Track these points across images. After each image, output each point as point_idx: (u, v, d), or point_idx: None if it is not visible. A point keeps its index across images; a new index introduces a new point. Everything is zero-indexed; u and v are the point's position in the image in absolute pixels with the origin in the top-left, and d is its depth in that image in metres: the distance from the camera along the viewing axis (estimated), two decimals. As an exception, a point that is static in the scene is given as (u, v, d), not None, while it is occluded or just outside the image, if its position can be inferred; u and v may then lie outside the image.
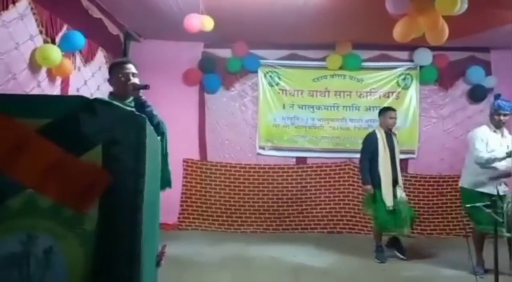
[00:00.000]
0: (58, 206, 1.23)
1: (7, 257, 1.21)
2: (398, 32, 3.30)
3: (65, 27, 3.53)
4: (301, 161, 6.25)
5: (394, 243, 4.80)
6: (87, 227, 1.23)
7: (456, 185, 6.14)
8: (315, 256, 4.77)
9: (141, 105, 2.13)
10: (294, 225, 6.11)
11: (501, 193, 3.72)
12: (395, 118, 4.75)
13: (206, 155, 6.14)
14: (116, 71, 2.29)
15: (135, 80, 2.26)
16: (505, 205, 3.03)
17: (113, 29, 4.83)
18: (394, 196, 4.57)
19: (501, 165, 3.97)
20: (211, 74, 6.04)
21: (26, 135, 1.20)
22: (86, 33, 3.61)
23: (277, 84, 6.16)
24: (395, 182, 4.62)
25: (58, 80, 3.57)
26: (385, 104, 6.13)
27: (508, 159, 3.87)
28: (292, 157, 6.23)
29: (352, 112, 6.16)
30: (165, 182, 2.00)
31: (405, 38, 3.34)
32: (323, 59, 6.13)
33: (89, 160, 1.23)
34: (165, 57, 5.99)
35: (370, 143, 4.71)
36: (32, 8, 3.00)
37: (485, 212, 3.53)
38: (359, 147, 6.08)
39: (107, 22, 4.57)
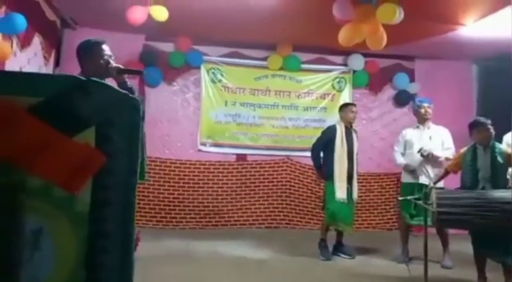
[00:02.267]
0: (48, 186, 1.20)
1: (-6, 238, 1.16)
2: (343, 37, 3.55)
3: (3, 9, 3.29)
4: (241, 157, 6.37)
5: (338, 247, 4.80)
6: (79, 208, 1.22)
7: (383, 182, 6.72)
8: (255, 250, 4.90)
9: (128, 91, 2.04)
10: (233, 221, 6.21)
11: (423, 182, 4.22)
12: (356, 112, 4.83)
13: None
14: (94, 52, 2.13)
15: (113, 62, 2.15)
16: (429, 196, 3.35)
17: (50, 15, 4.57)
18: (348, 191, 4.62)
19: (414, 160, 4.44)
20: (152, 68, 5.93)
21: (16, 112, 1.16)
22: (24, 16, 3.40)
23: (220, 81, 6.22)
24: (350, 178, 4.66)
25: (-5, 65, 3.33)
26: (321, 106, 6.50)
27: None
28: (233, 154, 6.33)
29: (290, 111, 6.41)
30: (142, 174, 1.95)
31: (349, 43, 3.61)
32: (264, 59, 6.31)
33: (82, 141, 1.22)
34: (103, 47, 5.76)
35: (327, 134, 4.76)
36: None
37: (411, 205, 3.94)
38: (297, 145, 6.42)
39: (44, 6, 4.31)
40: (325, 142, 4.73)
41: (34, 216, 1.20)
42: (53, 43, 4.69)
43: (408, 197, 3.71)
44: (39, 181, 1.20)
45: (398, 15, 3.39)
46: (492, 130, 3.59)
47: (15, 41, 3.63)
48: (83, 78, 1.27)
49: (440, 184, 4.17)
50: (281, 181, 6.37)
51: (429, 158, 4.36)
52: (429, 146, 4.39)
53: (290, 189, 6.35)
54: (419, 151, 4.37)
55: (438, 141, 4.50)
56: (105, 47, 2.17)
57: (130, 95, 1.28)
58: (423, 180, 4.39)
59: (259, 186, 6.35)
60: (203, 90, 6.19)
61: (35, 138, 1.18)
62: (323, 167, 4.78)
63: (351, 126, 4.83)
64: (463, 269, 4.08)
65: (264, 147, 6.38)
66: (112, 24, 5.51)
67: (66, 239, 1.22)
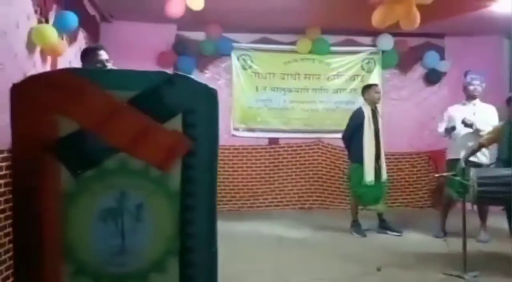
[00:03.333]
0: (146, 166, 1.40)
1: (105, 211, 1.37)
2: (377, 19, 3.62)
3: (54, 7, 3.51)
4: (273, 141, 6.54)
5: (382, 225, 4.90)
6: (171, 184, 1.42)
7: (414, 160, 6.77)
8: (293, 229, 5.10)
9: None
10: (267, 203, 6.42)
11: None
12: (380, 92, 4.96)
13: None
14: (90, 58, 2.41)
15: (109, 65, 2.40)
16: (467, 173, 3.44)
17: (91, 10, 4.79)
18: (376, 171, 4.75)
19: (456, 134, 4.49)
20: (185, 57, 6.12)
21: (118, 105, 1.36)
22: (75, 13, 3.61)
23: (250, 67, 6.36)
24: (377, 158, 4.79)
25: (49, 61, 3.56)
26: (351, 87, 6.57)
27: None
28: (265, 138, 6.51)
29: (320, 94, 6.51)
30: None
31: (383, 24, 3.68)
32: (293, 43, 6.39)
33: (171, 127, 1.40)
34: (138, 39, 5.98)
35: (356, 118, 4.85)
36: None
37: (454, 180, 4.01)
38: (328, 127, 6.52)
39: (86, 2, 4.53)
40: (355, 128, 4.84)
41: (137, 192, 1.40)
42: (94, 37, 4.92)
43: (444, 174, 3.80)
44: (140, 162, 1.39)
45: (432, -5, 3.44)
46: None
47: (65, 37, 3.86)
48: (170, 72, 1.45)
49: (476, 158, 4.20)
50: (313, 163, 6.52)
51: (472, 128, 4.35)
52: (485, 123, 4.35)
53: (322, 171, 6.50)
54: (462, 121, 4.37)
55: (482, 117, 4.47)
56: (101, 52, 2.45)
57: (209, 86, 1.46)
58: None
59: (291, 168, 6.52)
60: (234, 77, 6.34)
61: (135, 127, 1.37)
62: (351, 150, 4.91)
63: (376, 107, 4.93)
64: (499, 243, 4.17)
65: (295, 130, 6.52)
66: (145, 16, 5.72)
67: (163, 212, 1.41)
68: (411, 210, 6.45)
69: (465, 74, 4.73)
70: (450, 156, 4.66)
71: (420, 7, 3.88)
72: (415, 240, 4.60)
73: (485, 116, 4.47)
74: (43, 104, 1.31)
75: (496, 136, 3.88)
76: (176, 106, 1.41)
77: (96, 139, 1.35)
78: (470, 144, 4.35)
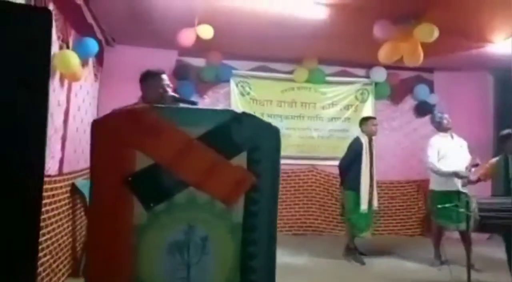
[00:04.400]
0: (212, 200, 1.46)
1: (173, 244, 1.41)
2: (383, 55, 3.82)
3: (72, 33, 3.56)
4: (268, 167, 6.60)
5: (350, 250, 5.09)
6: (234, 218, 1.48)
7: (404, 189, 6.96)
8: (288, 255, 5.11)
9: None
10: (261, 228, 6.43)
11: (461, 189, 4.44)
12: (377, 125, 5.17)
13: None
14: (153, 81, 2.44)
15: (170, 91, 2.43)
16: (470, 204, 3.61)
17: (99, 35, 4.84)
18: (368, 200, 4.93)
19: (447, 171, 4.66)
20: (185, 82, 6.20)
21: (189, 141, 1.42)
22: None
23: (248, 94, 6.49)
24: (370, 186, 4.97)
25: (66, 85, 3.58)
26: (345, 116, 6.77)
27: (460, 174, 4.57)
28: (261, 163, 6.56)
29: (316, 122, 6.67)
30: None
31: (389, 60, 3.89)
32: (290, 72, 6.58)
33: (236, 163, 1.48)
34: (139, 63, 5.97)
35: (354, 148, 5.00)
36: (54, 13, 3.03)
37: (447, 210, 4.17)
38: (322, 154, 6.67)
39: (96, 28, 4.59)
40: (354, 157, 4.99)
41: (202, 226, 1.45)
42: (99, 61, 4.96)
43: (447, 205, 3.96)
44: (206, 196, 1.45)
45: (435, 35, 3.66)
46: None
47: (78, 62, 3.89)
48: (238, 111, 1.53)
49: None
50: (307, 189, 6.62)
51: (463, 180, 4.56)
52: (461, 155, 4.62)
53: (315, 197, 6.59)
54: (456, 175, 4.57)
55: (466, 149, 4.81)
56: (164, 76, 2.50)
57: (272, 124, 1.54)
58: (459, 187, 4.57)
59: (286, 194, 6.58)
60: (232, 103, 6.44)
61: (205, 162, 1.43)
62: (346, 178, 5.05)
63: (372, 138, 5.10)
64: (497, 273, 4.32)
65: (290, 156, 6.60)
66: (146, 41, 5.80)
67: (226, 245, 1.46)
68: (402, 238, 6.59)
69: (431, 111, 5.04)
70: (435, 187, 4.82)
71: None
72: (412, 268, 4.71)
73: (460, 149, 4.79)
74: (123, 139, 1.36)
75: (490, 172, 4.09)
76: (243, 143, 1.48)
77: (169, 174, 1.40)
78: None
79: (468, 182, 4.36)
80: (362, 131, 5.13)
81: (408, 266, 4.80)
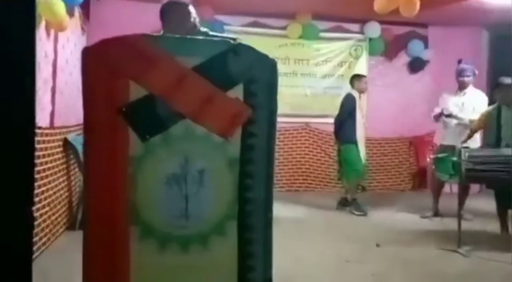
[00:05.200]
0: (209, 133, 1.44)
1: (170, 176, 1.40)
2: (379, 5, 3.72)
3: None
4: (262, 125, 6.60)
5: (344, 203, 5.28)
6: (232, 151, 1.46)
7: (396, 146, 7.02)
8: (285, 210, 5.20)
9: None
10: (255, 185, 6.50)
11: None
12: (367, 82, 5.39)
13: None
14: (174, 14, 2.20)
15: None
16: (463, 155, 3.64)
17: (85, -15, 4.64)
18: None
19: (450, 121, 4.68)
20: (175, 39, 6.04)
21: (185, 71, 1.38)
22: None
23: (241, 51, 6.36)
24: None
25: (52, 36, 3.46)
26: (338, 73, 6.70)
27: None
28: (254, 121, 6.55)
29: (309, 79, 6.61)
30: None
31: (385, 10, 3.79)
32: (283, 28, 6.44)
33: (233, 95, 1.45)
34: (126, 17, 5.85)
35: (348, 104, 5.13)
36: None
37: (444, 162, 4.22)
38: (315, 112, 6.65)
39: (82, -21, 4.39)
40: (349, 112, 5.10)
41: (199, 158, 1.44)
42: (86, 14, 4.80)
43: (440, 155, 4.01)
44: (203, 129, 1.43)
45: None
46: None
47: (64, 12, 3.75)
48: (234, 42, 1.48)
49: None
50: (300, 147, 6.65)
51: (451, 117, 4.59)
52: (461, 113, 4.62)
53: (309, 154, 6.63)
54: (442, 113, 4.60)
55: (470, 107, 4.70)
56: (191, 9, 2.26)
57: (269, 57, 1.50)
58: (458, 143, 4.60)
59: (279, 152, 6.60)
60: (225, 60, 6.32)
61: (201, 94, 1.40)
62: (343, 132, 5.15)
63: (361, 95, 5.30)
64: (483, 222, 4.44)
65: (284, 115, 6.55)
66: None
67: (223, 177, 1.46)
68: (394, 192, 6.71)
69: (458, 62, 4.93)
70: (442, 141, 4.88)
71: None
72: (404, 218, 4.83)
73: (474, 104, 4.67)
74: (116, 68, 1.32)
75: (484, 122, 4.11)
76: (239, 75, 1.45)
77: (164, 105, 1.37)
78: (459, 131, 4.60)
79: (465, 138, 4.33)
80: (353, 88, 5.25)
81: (400, 217, 4.92)
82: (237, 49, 1.43)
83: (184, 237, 1.43)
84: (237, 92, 1.45)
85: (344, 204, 5.32)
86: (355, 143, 5.04)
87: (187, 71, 1.38)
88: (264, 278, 1.48)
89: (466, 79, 4.75)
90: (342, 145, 5.25)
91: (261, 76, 1.46)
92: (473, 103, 4.71)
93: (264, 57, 1.48)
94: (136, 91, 1.35)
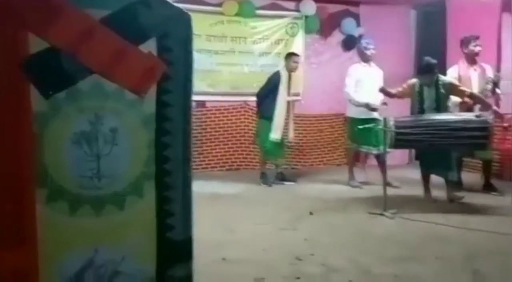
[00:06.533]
0: (121, 89, 1.38)
1: (79, 134, 1.33)
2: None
3: None
4: (200, 104, 6.53)
5: (282, 177, 5.52)
6: (147, 108, 1.42)
7: (333, 122, 7.24)
8: (224, 187, 5.24)
9: None
10: (195, 166, 6.41)
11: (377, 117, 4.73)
12: (298, 62, 5.47)
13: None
14: None
15: None
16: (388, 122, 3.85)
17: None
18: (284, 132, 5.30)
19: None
20: (105, 14, 5.76)
21: (91, 23, 1.30)
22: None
23: (176, 27, 6.19)
24: (287, 120, 5.33)
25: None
26: (275, 51, 6.75)
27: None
28: (192, 101, 6.46)
29: (247, 57, 6.60)
30: None
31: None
32: (219, 5, 6.35)
33: (145, 50, 1.39)
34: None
35: (272, 80, 5.31)
36: None
37: (366, 135, 4.43)
38: (253, 90, 6.65)
39: None
40: (271, 88, 5.26)
41: (111, 116, 1.38)
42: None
43: (366, 126, 4.20)
44: (114, 85, 1.37)
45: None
46: (436, 71, 4.10)
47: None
48: (144, -7, 1.41)
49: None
50: (240, 125, 6.66)
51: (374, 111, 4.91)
52: (377, 85, 4.89)
53: (248, 133, 6.66)
54: (367, 106, 4.90)
55: (377, 78, 5.13)
56: None
57: (184, 11, 1.46)
58: (375, 115, 4.89)
59: (219, 131, 6.60)
60: (158, 37, 6.13)
61: (109, 47, 1.33)
62: (261, 107, 5.33)
63: (291, 74, 5.40)
64: (411, 189, 4.73)
65: (222, 93, 6.56)
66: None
67: (138, 136, 1.41)
68: (330, 167, 6.94)
69: (359, 38, 5.24)
70: (353, 114, 5.18)
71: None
72: (338, 189, 5.03)
73: (376, 76, 5.11)
74: (11, 17, 1.22)
75: (408, 91, 4.34)
76: (151, 29, 1.39)
77: (69, 59, 1.29)
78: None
79: (385, 93, 4.58)
80: (284, 66, 5.40)
81: (333, 188, 5.11)
82: (149, 2, 1.37)
83: (98, 198, 1.38)
84: (150, 47, 1.40)
85: (282, 178, 5.45)
86: (269, 119, 5.18)
87: (94, 23, 1.31)
88: (184, 237, 1.47)
89: (372, 51, 5.05)
90: (258, 119, 5.41)
91: (175, 31, 1.42)
92: (376, 75, 5.11)
93: (179, 11, 1.44)
94: (36, 44, 1.26)
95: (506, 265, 2.56)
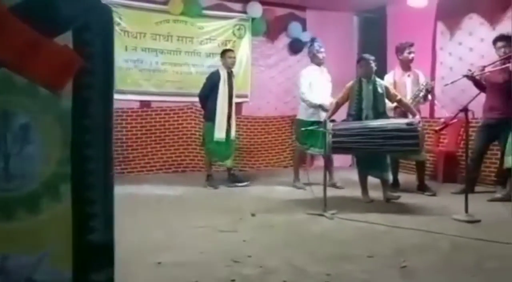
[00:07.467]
0: (34, 84, 1.29)
1: (-16, 132, 1.23)
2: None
3: None
4: (145, 104, 6.38)
5: (232, 179, 5.48)
6: (63, 104, 1.33)
7: (279, 124, 7.32)
8: (167, 190, 5.13)
9: None
10: (140, 168, 6.29)
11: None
12: (234, 57, 5.43)
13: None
14: None
15: None
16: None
17: None
18: (227, 131, 5.22)
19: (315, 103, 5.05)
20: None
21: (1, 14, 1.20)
22: None
23: (119, 25, 6.00)
24: (229, 118, 5.25)
25: None
26: (223, 52, 6.71)
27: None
28: (136, 101, 6.30)
29: (193, 57, 6.53)
30: None
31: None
32: (165, 3, 6.25)
33: (61, 43, 1.31)
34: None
35: (210, 80, 5.26)
36: None
37: (314, 137, 4.51)
38: (201, 91, 6.59)
39: None
40: (211, 88, 5.22)
41: (22, 112, 1.28)
42: None
43: (310, 128, 4.28)
44: (25, 80, 1.27)
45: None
46: (373, 65, 4.26)
47: None
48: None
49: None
50: (186, 127, 6.58)
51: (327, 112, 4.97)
52: (328, 89, 5.05)
53: (195, 134, 6.59)
54: (322, 107, 4.98)
55: (330, 84, 5.28)
56: None
57: (103, 2, 1.39)
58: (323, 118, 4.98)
59: (164, 132, 6.48)
60: (101, 34, 5.91)
61: (20, 39, 1.24)
62: (205, 110, 5.33)
63: (231, 71, 5.37)
64: (353, 190, 4.87)
65: (168, 93, 6.45)
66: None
67: (53, 134, 1.32)
68: (277, 169, 7.01)
69: (312, 41, 5.35)
70: (303, 117, 5.25)
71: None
72: (282, 191, 5.08)
73: (326, 81, 5.26)
74: None
75: (347, 95, 4.46)
76: (67, 20, 1.30)
77: (-28, 50, 1.19)
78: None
79: (332, 111, 4.67)
80: (222, 63, 5.34)
81: (278, 190, 5.16)
82: (64, -9, 1.29)
83: (7, 201, 1.28)
84: (65, 40, 1.32)
85: (234, 180, 5.41)
86: (213, 121, 5.16)
87: (2, 12, 1.21)
88: (105, 239, 1.40)
89: (324, 55, 5.18)
90: (205, 122, 5.43)
91: (95, 23, 1.35)
92: (326, 78, 5.25)
93: (98, 2, 1.37)
94: None
95: (431, 260, 2.68)
